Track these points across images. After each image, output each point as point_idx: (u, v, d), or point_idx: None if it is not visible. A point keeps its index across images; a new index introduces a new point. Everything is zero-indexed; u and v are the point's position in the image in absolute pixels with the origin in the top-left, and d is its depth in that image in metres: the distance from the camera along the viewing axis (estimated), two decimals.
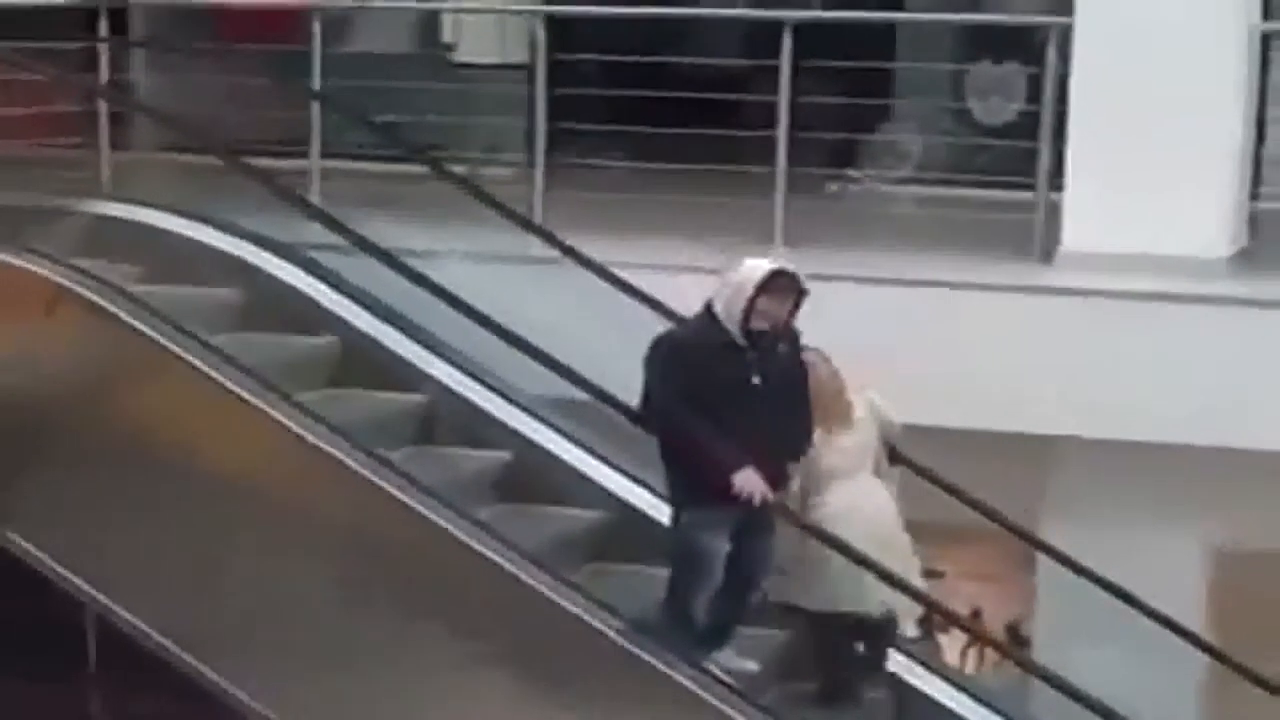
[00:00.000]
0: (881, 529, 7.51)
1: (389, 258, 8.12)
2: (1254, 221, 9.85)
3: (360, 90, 10.59)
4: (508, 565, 7.47)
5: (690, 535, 7.26)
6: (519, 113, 11.06)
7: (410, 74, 11.92)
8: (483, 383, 8.66)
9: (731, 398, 7.09)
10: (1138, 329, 8.74)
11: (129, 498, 7.93)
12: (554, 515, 8.33)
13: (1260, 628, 8.49)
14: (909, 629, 7.78)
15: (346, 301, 8.89)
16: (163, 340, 7.93)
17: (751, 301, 7.09)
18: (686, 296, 8.01)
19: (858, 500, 7.50)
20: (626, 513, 8.32)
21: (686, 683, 7.30)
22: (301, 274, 9.02)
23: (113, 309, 7.99)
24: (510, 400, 8.61)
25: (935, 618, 7.96)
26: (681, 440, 7.17)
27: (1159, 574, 8.77)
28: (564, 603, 7.42)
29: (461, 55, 12.75)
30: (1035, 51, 9.88)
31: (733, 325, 7.14)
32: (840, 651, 7.70)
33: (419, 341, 8.75)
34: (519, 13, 11.96)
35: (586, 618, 7.40)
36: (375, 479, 7.63)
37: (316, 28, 10.30)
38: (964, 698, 8.03)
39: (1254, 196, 10.09)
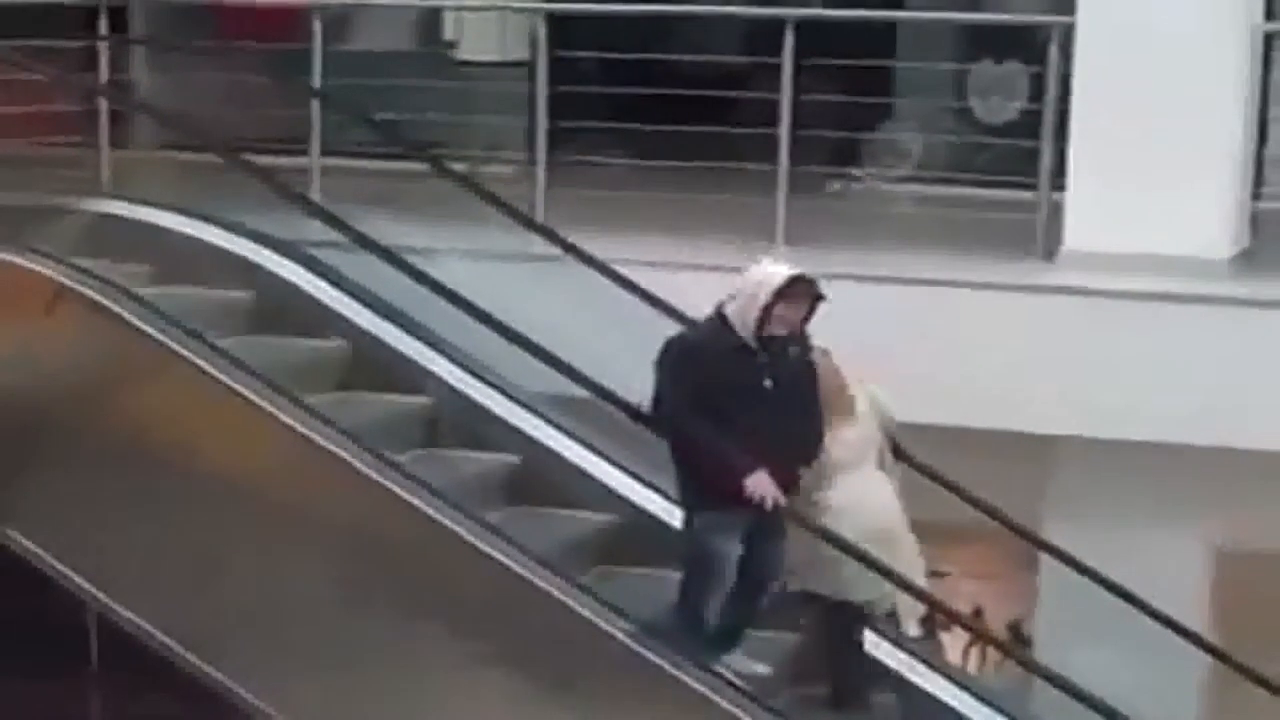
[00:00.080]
0: (886, 522, 7.51)
1: (390, 255, 8.11)
2: (1255, 221, 9.85)
3: (361, 88, 10.58)
4: (517, 567, 7.46)
5: (702, 538, 7.26)
6: (520, 110, 11.05)
7: (411, 72, 11.91)
8: (491, 385, 8.64)
9: (743, 401, 7.09)
10: (1139, 329, 8.75)
11: (134, 499, 7.92)
12: (563, 518, 8.31)
13: (1261, 627, 8.49)
14: (911, 628, 7.79)
15: (352, 302, 8.87)
16: (163, 339, 7.93)
17: (769, 307, 7.08)
18: (688, 294, 8.03)
19: (862, 493, 7.49)
20: (635, 515, 8.30)
21: (697, 685, 7.29)
22: (303, 272, 9.01)
23: (114, 308, 7.98)
24: (519, 403, 8.59)
25: (937, 617, 7.95)
26: (692, 444, 7.17)
27: (1160, 573, 8.77)
28: (574, 605, 7.41)
29: (463, 53, 12.76)
30: (1037, 50, 9.89)
31: (747, 330, 7.13)
32: (850, 655, 7.69)
33: (427, 343, 8.73)
34: (520, 10, 11.96)
35: (596, 620, 7.39)
36: (383, 481, 7.62)
37: (317, 26, 10.30)
38: (966, 696, 8.03)
39: (1255, 196, 10.09)
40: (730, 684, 7.32)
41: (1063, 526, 9.01)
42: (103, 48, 10.56)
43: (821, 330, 7.35)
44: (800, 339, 7.26)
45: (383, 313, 8.80)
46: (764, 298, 7.08)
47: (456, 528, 7.54)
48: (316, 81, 10.22)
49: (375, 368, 8.74)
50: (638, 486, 8.33)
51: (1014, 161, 10.01)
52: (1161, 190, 8.92)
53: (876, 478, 7.62)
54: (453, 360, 8.67)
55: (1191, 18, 8.99)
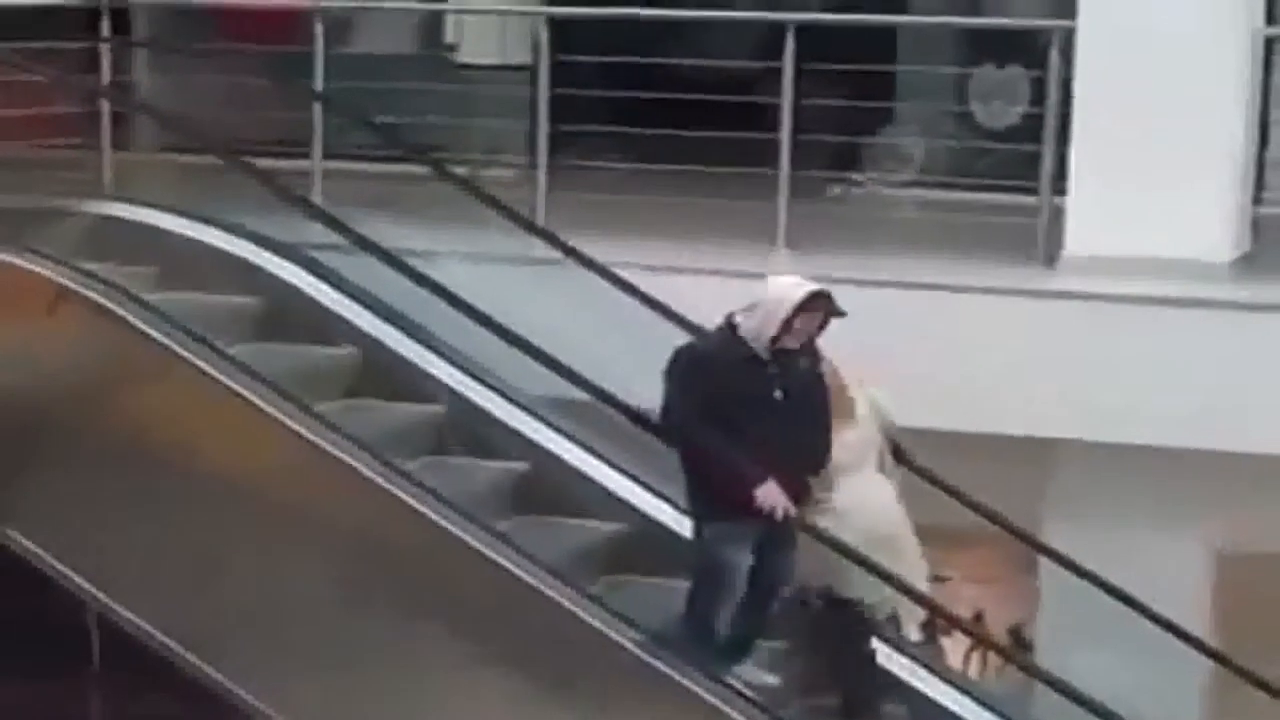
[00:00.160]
0: (887, 525, 7.51)
1: (390, 258, 8.12)
2: (1256, 226, 9.84)
3: (362, 91, 10.58)
4: (526, 576, 7.46)
5: (712, 548, 7.25)
6: (521, 114, 11.05)
7: (412, 75, 11.91)
8: (501, 393, 8.61)
9: (753, 412, 7.09)
10: (1140, 332, 8.75)
11: (135, 501, 7.91)
12: (572, 527, 8.28)
13: (1262, 631, 8.50)
14: (912, 632, 7.78)
15: (364, 310, 8.85)
16: (165, 340, 7.93)
17: (788, 322, 7.09)
18: (688, 298, 8.04)
19: (863, 496, 7.49)
20: (645, 524, 8.27)
21: (707, 695, 7.29)
22: (304, 274, 9.01)
23: (118, 310, 7.98)
24: (529, 410, 8.56)
25: (938, 621, 7.95)
26: (702, 453, 7.16)
27: (1160, 576, 8.77)
28: (583, 615, 7.41)
29: (464, 56, 12.74)
30: (1038, 55, 9.88)
31: (759, 342, 7.13)
32: (861, 667, 7.69)
33: (436, 351, 8.71)
34: (521, 14, 11.96)
35: (606, 630, 7.39)
36: (392, 488, 7.62)
37: (319, 28, 10.31)
38: (968, 701, 8.02)
39: (1256, 200, 10.08)
40: (740, 694, 7.32)
41: (1063, 530, 9.00)
42: (105, 50, 10.56)
43: (824, 334, 7.35)
44: (811, 350, 7.27)
45: (393, 321, 8.78)
46: (785, 312, 7.08)
47: (465, 536, 7.54)
48: (318, 84, 10.23)
49: (385, 375, 8.72)
50: (647, 496, 8.30)
51: (1015, 166, 10.00)
52: (1162, 194, 8.93)
53: (877, 480, 7.62)
54: (462, 368, 8.65)
55: (1192, 21, 8.99)
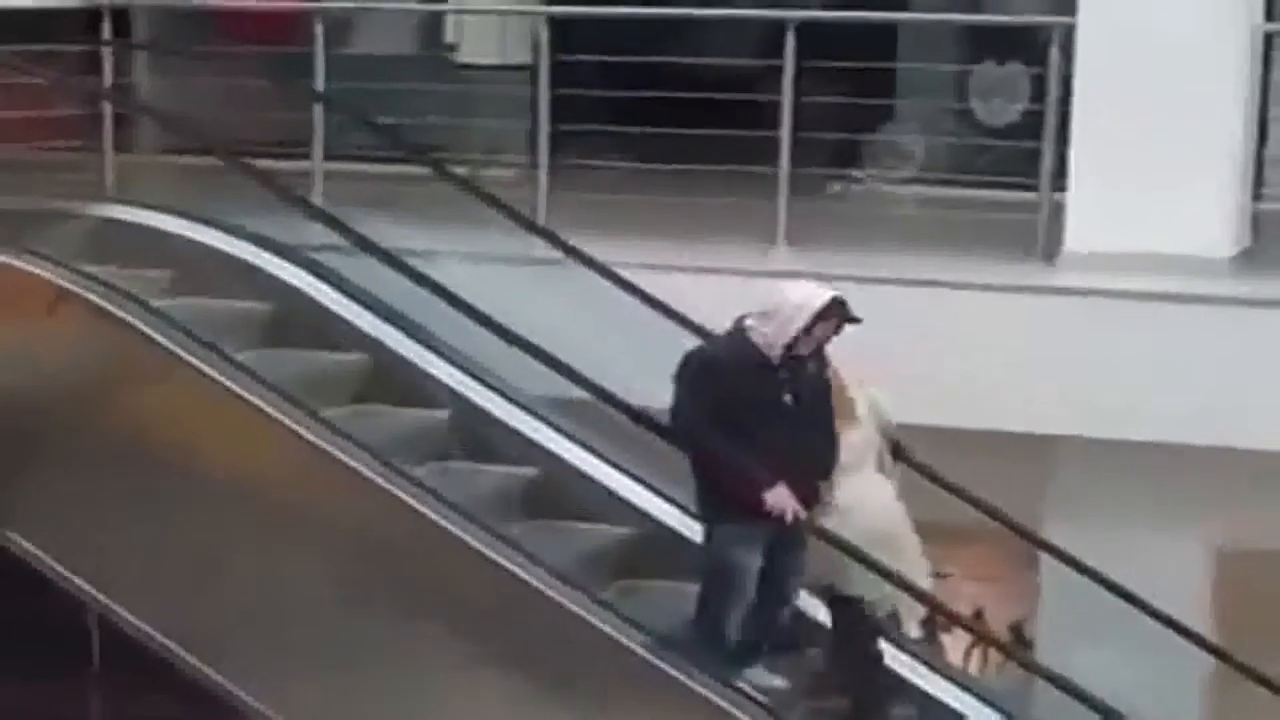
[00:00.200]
0: (887, 524, 7.52)
1: (391, 258, 8.12)
2: (1256, 222, 9.85)
3: (363, 92, 10.59)
4: (535, 581, 7.46)
5: (722, 552, 7.25)
6: (521, 114, 11.06)
7: (413, 75, 11.92)
8: (509, 398, 8.59)
9: (763, 417, 7.09)
10: (1140, 329, 8.75)
11: (137, 503, 7.92)
12: (582, 531, 8.26)
13: (1262, 627, 8.50)
14: (912, 629, 7.79)
15: (374, 317, 8.83)
16: (167, 343, 7.94)
17: (807, 329, 7.09)
18: (689, 297, 8.04)
19: (863, 495, 7.50)
20: (655, 528, 8.25)
21: (716, 699, 7.29)
22: (307, 276, 9.01)
23: (118, 312, 7.99)
24: (538, 416, 8.53)
25: (938, 618, 7.95)
26: (712, 457, 7.17)
27: (1160, 573, 8.78)
28: (594, 619, 7.41)
29: (464, 56, 12.74)
30: (1038, 52, 9.88)
31: (772, 348, 7.12)
32: (868, 668, 7.70)
33: (444, 357, 8.70)
34: (521, 14, 11.97)
35: (616, 634, 7.38)
36: (400, 493, 7.62)
37: (319, 29, 10.31)
38: (968, 698, 8.02)
39: (1256, 197, 10.09)
40: (750, 698, 7.31)
41: (1063, 527, 9.01)
42: (106, 52, 10.57)
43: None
44: (819, 355, 7.27)
45: (401, 326, 8.78)
46: (805, 319, 7.09)
47: (475, 541, 7.53)
48: (319, 85, 10.24)
49: (394, 381, 8.72)
50: (657, 500, 8.29)
51: (1015, 163, 10.02)
52: (1162, 190, 8.93)
53: (877, 480, 7.62)
54: (471, 374, 8.64)
55: (1192, 18, 8.99)
